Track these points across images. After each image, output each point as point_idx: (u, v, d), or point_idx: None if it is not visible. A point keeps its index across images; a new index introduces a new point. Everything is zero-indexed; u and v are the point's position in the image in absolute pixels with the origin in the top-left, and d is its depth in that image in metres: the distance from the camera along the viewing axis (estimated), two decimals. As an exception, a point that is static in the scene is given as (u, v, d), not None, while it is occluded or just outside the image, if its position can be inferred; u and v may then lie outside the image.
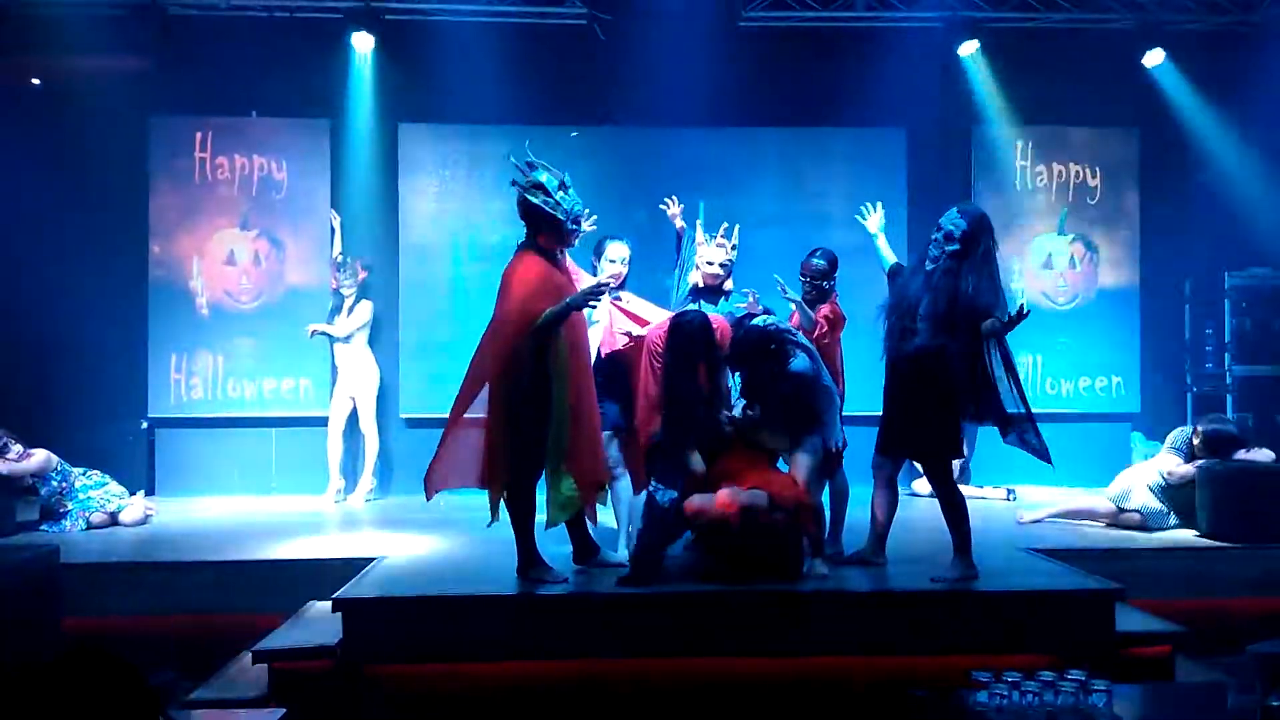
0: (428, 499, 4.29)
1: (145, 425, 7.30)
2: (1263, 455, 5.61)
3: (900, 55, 7.27)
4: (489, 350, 4.16)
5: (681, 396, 4.21)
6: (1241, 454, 5.59)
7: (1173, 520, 5.63)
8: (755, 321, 4.35)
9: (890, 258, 4.66)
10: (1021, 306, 3.87)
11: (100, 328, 7.30)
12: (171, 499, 6.93)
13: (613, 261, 4.78)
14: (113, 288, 7.32)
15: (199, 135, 7.43)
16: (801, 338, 4.44)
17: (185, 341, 7.38)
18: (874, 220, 4.73)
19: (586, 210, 4.70)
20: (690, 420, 4.21)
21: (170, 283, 7.39)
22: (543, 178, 4.19)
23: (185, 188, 7.42)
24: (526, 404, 4.06)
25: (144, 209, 7.36)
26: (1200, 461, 5.56)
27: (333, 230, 7.28)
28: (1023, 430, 4.09)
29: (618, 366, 4.66)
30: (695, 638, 3.99)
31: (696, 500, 4.09)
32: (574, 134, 4.42)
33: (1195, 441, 5.66)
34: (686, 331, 4.25)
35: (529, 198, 4.18)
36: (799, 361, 4.28)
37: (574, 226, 4.25)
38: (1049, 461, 4.13)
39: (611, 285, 4.54)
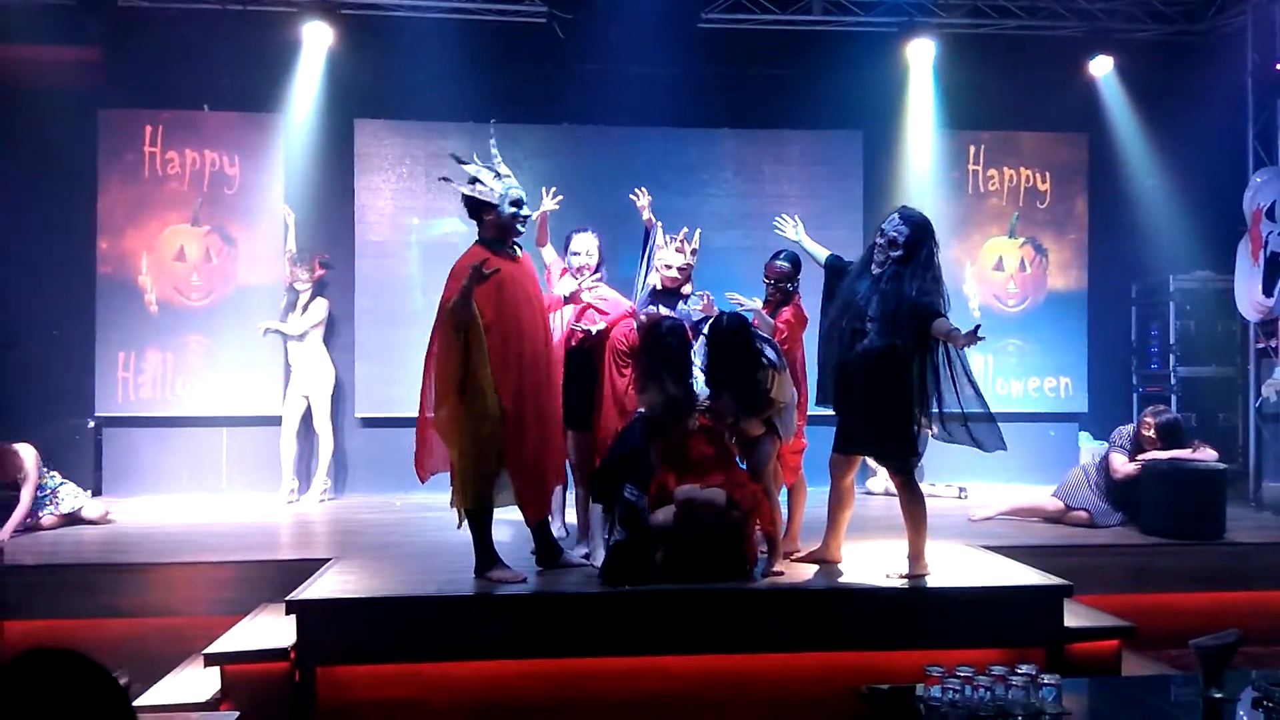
0: (422, 481, 4.28)
1: (92, 424, 7.14)
2: (1207, 454, 5.76)
3: (857, 59, 7.36)
4: (432, 348, 4.18)
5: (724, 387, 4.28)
6: (1188, 453, 5.73)
7: (1118, 517, 5.76)
8: (723, 314, 4.45)
9: (822, 252, 4.72)
10: (976, 329, 3.93)
11: (46, 324, 7.15)
12: (119, 499, 6.79)
13: (576, 254, 4.78)
14: (59, 284, 7.16)
15: (149, 129, 7.28)
16: (749, 317, 4.54)
17: (134, 339, 7.23)
18: (790, 229, 4.83)
19: (555, 191, 4.83)
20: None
21: (118, 279, 7.24)
22: (475, 170, 4.26)
23: (135, 182, 7.27)
24: (466, 399, 4.05)
25: (92, 203, 7.20)
26: (1144, 458, 5.69)
27: (286, 226, 7.18)
28: (956, 426, 4.16)
29: (577, 361, 4.66)
30: (652, 636, 4.00)
31: (660, 514, 4.12)
32: (493, 121, 4.47)
33: (1148, 433, 5.77)
34: (728, 332, 4.33)
35: (463, 190, 4.23)
36: (769, 351, 4.38)
37: (512, 209, 4.24)
38: (985, 449, 4.20)
39: (581, 276, 4.57)
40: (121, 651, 4.15)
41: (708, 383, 4.36)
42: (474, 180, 4.24)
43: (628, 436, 4.26)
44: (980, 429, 4.17)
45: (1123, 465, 5.75)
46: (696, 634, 4.00)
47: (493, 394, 4.06)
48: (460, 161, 4.29)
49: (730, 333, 4.33)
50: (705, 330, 4.47)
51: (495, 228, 4.25)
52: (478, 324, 4.05)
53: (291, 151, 7.40)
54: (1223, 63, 7.40)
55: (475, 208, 4.25)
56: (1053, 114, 7.79)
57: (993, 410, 7.42)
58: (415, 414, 7.24)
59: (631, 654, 4.00)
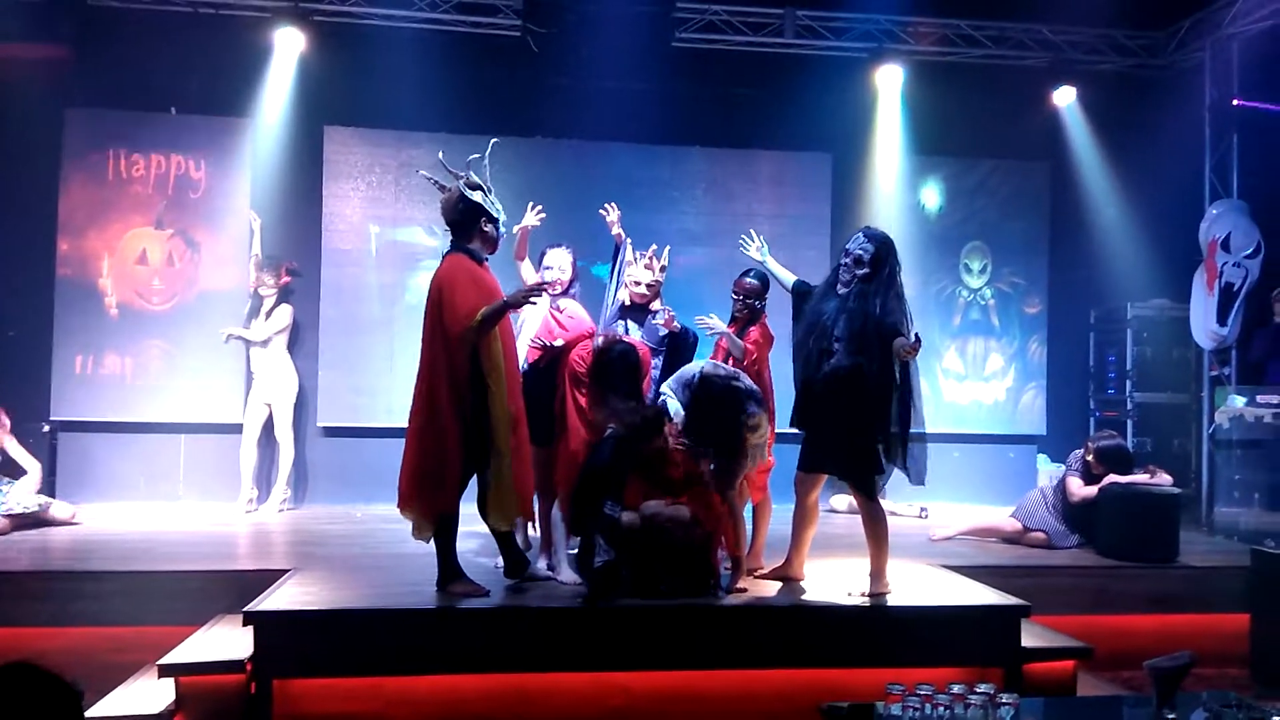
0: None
1: (46, 428, 7.00)
2: (1163, 479, 5.87)
3: (827, 83, 7.47)
4: (427, 358, 4.12)
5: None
6: (1145, 478, 5.83)
7: (1074, 539, 5.84)
8: (707, 368, 4.38)
9: (789, 276, 4.76)
10: (916, 338, 4.00)
11: (2, 325, 7.01)
12: (73, 505, 6.65)
13: (549, 269, 4.79)
14: (17, 284, 7.03)
15: (115, 130, 7.19)
16: (735, 371, 4.49)
17: (93, 343, 7.11)
18: (755, 249, 4.87)
19: (538, 207, 4.90)
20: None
21: (78, 281, 7.12)
22: (477, 179, 4.23)
23: (98, 183, 7.16)
24: (466, 411, 4.04)
25: (53, 203, 7.08)
26: (1103, 484, 5.78)
27: (252, 232, 7.12)
28: (900, 450, 4.20)
29: (542, 376, 4.66)
30: (615, 651, 3.99)
31: (625, 516, 4.12)
32: (494, 141, 4.45)
33: (1089, 458, 5.90)
34: (717, 392, 4.29)
35: (470, 194, 4.19)
36: (753, 406, 4.32)
37: (504, 229, 4.31)
38: (920, 483, 4.24)
39: (553, 290, 4.60)
40: (73, 661, 4.06)
41: (686, 431, 4.28)
42: (477, 187, 4.23)
43: (598, 454, 4.24)
44: (916, 454, 4.20)
45: (1079, 489, 5.84)
46: (659, 650, 4.00)
47: (504, 399, 4.07)
48: (463, 169, 4.24)
49: (719, 395, 4.27)
50: (693, 384, 4.33)
51: (485, 240, 4.25)
52: (497, 339, 4.08)
53: (259, 157, 7.33)
54: (1182, 96, 7.60)
55: (474, 216, 4.21)
56: (1017, 142, 7.93)
57: (953, 431, 7.61)
58: (378, 424, 7.20)
59: (594, 669, 3.99)
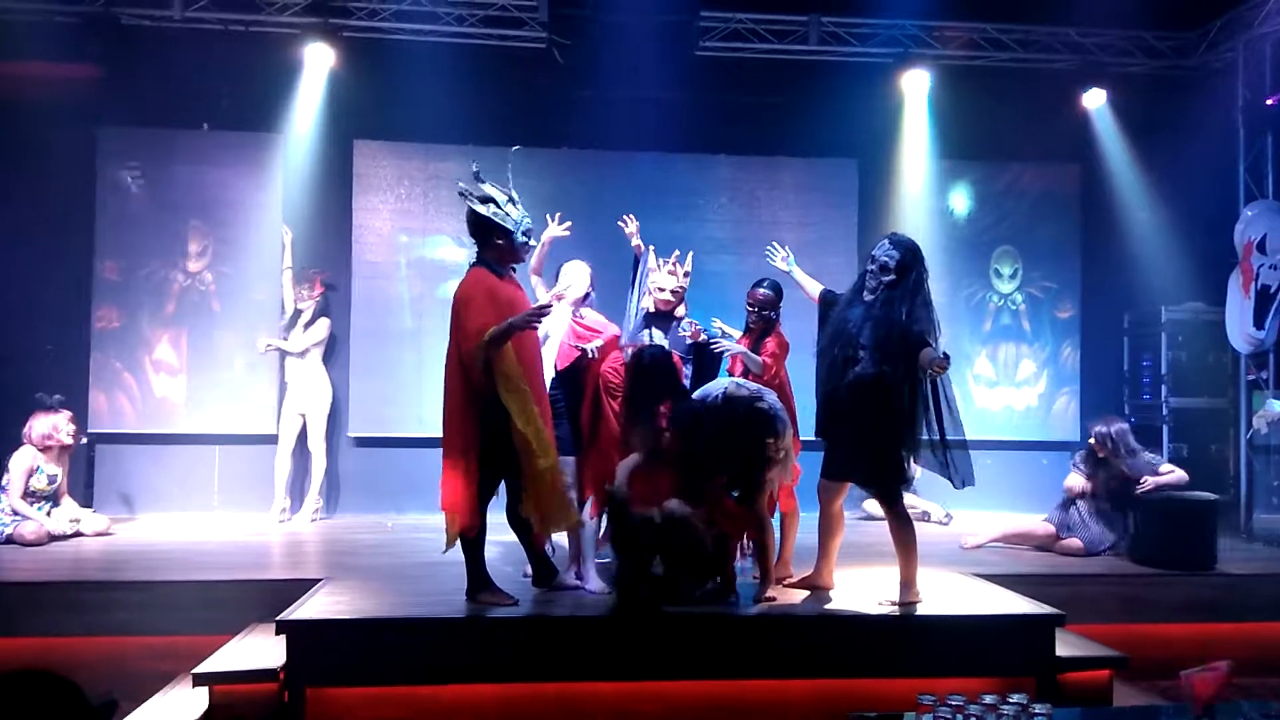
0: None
1: (85, 441, 7.11)
2: (1177, 477, 5.77)
3: (853, 89, 7.44)
4: (449, 372, 4.15)
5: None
6: (1157, 480, 5.74)
7: (1110, 541, 5.77)
8: (730, 388, 4.35)
9: (816, 286, 4.73)
10: (945, 355, 3.96)
11: (41, 339, 7.15)
12: (110, 516, 6.76)
13: (567, 283, 4.80)
14: (54, 300, 7.16)
15: (148, 147, 7.30)
16: (761, 388, 4.45)
17: (128, 356, 7.21)
18: (781, 259, 4.85)
19: (562, 218, 4.82)
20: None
21: (114, 297, 7.21)
22: (491, 191, 4.24)
23: (132, 200, 7.28)
24: (485, 424, 4.06)
25: (89, 221, 7.20)
26: (1142, 490, 5.68)
27: (284, 245, 7.21)
28: (934, 454, 4.16)
29: (569, 385, 4.67)
30: (644, 661, 3.99)
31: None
32: (515, 148, 4.46)
33: (1091, 441, 5.87)
34: (741, 421, 4.24)
35: (477, 208, 4.20)
36: (777, 426, 4.28)
37: (524, 238, 4.28)
38: (955, 485, 4.20)
39: (555, 305, 4.60)
40: (108, 670, 4.15)
41: (706, 455, 4.24)
42: (488, 200, 4.23)
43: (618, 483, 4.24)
44: (956, 459, 4.17)
45: (1074, 482, 5.87)
46: (688, 659, 3.99)
47: (526, 412, 4.07)
48: (479, 180, 4.25)
49: (743, 416, 4.23)
50: (716, 405, 4.28)
51: (503, 253, 4.25)
52: (512, 354, 4.06)
53: (290, 171, 7.42)
54: (1214, 97, 7.48)
55: (486, 229, 4.22)
56: (1046, 145, 7.85)
57: (986, 438, 7.52)
58: (409, 434, 7.26)
59: (624, 679, 3.99)
